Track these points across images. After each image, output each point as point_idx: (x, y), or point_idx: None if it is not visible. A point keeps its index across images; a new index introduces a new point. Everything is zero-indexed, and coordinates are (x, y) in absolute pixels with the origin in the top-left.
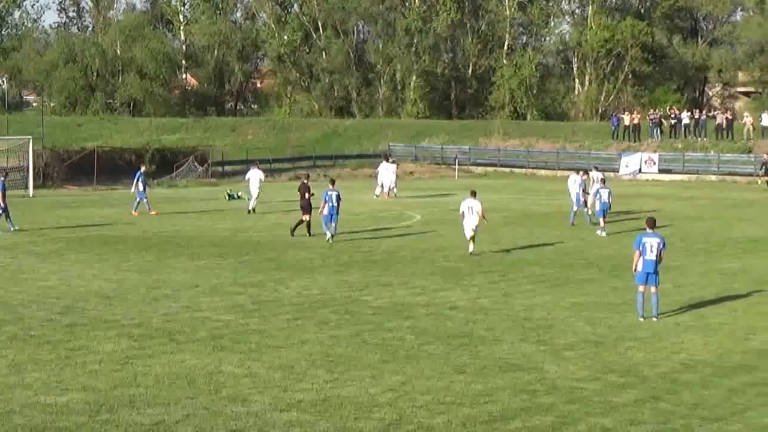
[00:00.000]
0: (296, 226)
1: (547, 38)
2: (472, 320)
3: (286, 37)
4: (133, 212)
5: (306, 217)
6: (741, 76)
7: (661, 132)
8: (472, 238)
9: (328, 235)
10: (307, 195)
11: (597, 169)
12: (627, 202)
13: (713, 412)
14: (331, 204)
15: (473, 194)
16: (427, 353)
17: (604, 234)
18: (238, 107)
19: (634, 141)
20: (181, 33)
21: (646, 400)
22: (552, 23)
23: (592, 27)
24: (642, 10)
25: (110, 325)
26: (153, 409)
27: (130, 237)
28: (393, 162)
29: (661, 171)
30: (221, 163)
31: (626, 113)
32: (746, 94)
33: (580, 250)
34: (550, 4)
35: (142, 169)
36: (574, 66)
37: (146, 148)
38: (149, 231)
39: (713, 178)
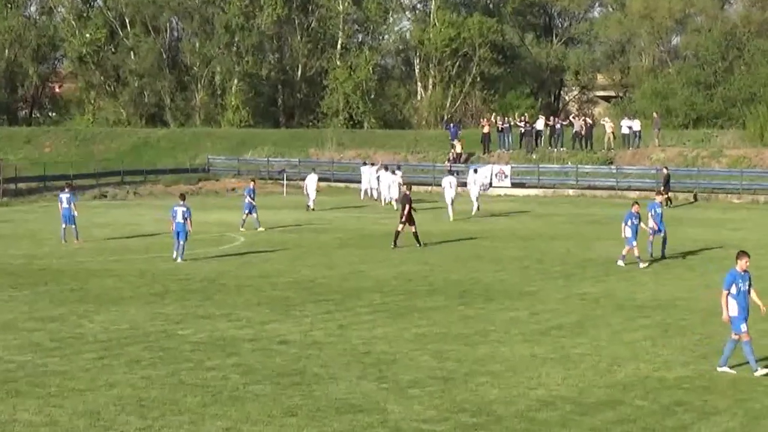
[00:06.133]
0: (396, 236)
1: (386, 36)
2: (304, 356)
3: (88, 35)
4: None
5: (401, 228)
6: (600, 78)
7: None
8: None
9: (175, 254)
10: (408, 206)
11: None
12: (475, 220)
13: None
14: (177, 221)
15: None
16: (254, 394)
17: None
18: (33, 115)
19: (484, 152)
20: None
21: None
22: (391, 20)
23: (435, 24)
24: (491, 6)
25: None
26: None
27: None
28: (378, 168)
29: (514, 185)
30: (14, 179)
31: (459, 135)
32: (606, 98)
33: (424, 275)
34: None
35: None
36: (416, 68)
37: None
38: None
39: (571, 192)
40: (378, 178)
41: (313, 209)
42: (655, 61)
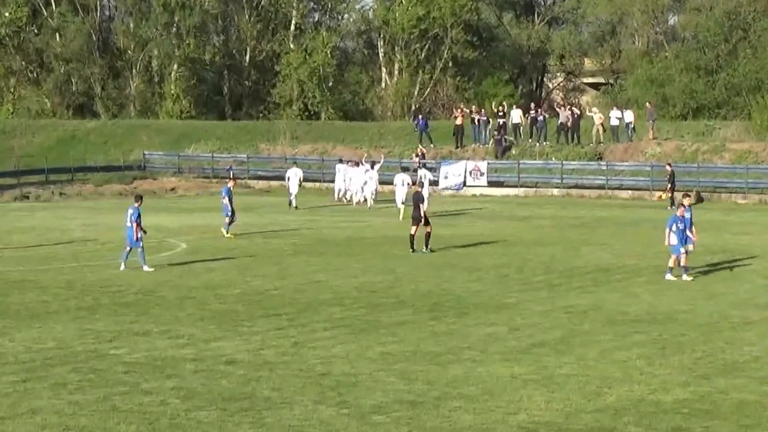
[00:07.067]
0: (420, 238)
1: (346, 16)
2: (254, 378)
3: (7, 15)
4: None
5: (414, 230)
6: (588, 63)
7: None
8: None
9: (123, 266)
10: (421, 206)
11: None
12: (448, 223)
13: None
14: (126, 224)
15: None
16: (197, 421)
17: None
18: None
19: (457, 146)
20: None
21: None
22: None
23: (401, 2)
24: None
25: None
26: None
27: None
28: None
29: (490, 183)
30: None
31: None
32: (594, 86)
33: (390, 286)
34: None
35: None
36: (380, 51)
37: None
38: None
39: (555, 192)
40: (351, 178)
41: (295, 207)
42: (649, 44)
